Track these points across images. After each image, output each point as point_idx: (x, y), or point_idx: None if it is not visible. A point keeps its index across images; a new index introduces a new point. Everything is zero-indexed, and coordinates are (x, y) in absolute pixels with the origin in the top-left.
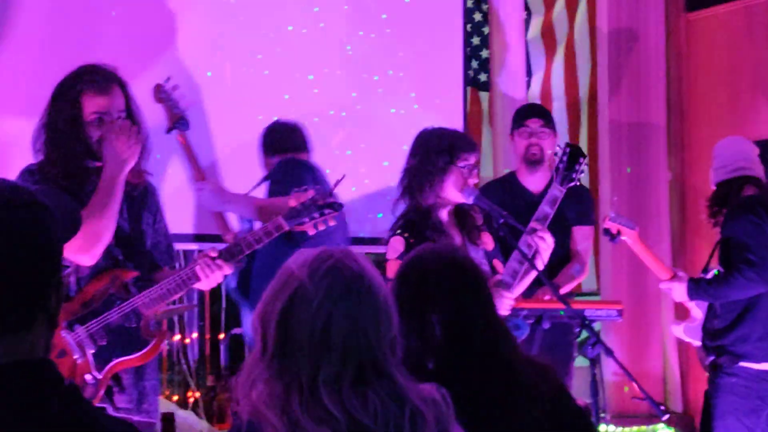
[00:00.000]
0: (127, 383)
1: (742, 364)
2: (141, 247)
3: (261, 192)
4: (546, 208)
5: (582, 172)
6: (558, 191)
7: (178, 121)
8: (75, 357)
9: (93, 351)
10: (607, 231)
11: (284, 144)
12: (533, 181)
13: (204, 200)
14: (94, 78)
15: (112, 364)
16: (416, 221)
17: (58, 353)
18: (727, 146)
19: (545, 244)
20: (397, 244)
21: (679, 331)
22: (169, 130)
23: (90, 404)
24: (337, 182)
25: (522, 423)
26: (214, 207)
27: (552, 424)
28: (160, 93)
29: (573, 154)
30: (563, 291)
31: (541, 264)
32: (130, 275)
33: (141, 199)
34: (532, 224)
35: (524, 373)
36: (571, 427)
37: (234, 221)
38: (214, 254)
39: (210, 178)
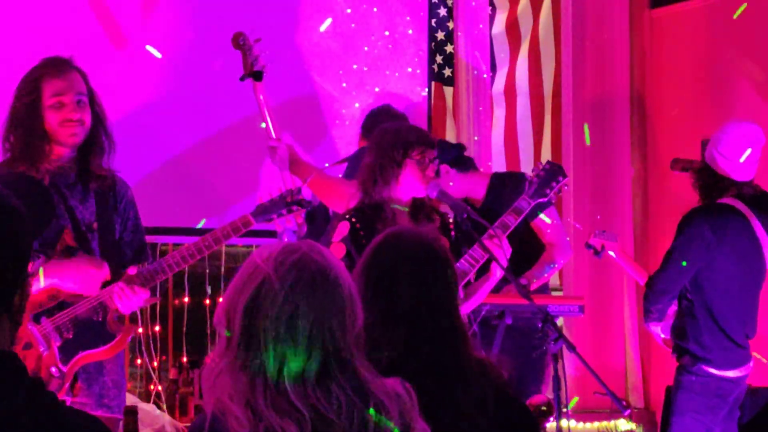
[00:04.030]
0: (86, 378)
1: (703, 366)
2: (108, 243)
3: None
4: (509, 218)
5: (559, 191)
6: (525, 203)
7: (253, 73)
8: (41, 349)
9: (59, 344)
10: (590, 246)
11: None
12: (472, 199)
13: (275, 160)
14: (52, 63)
15: (77, 357)
16: (367, 211)
17: (24, 345)
18: (738, 139)
19: (501, 252)
20: (342, 228)
21: (657, 329)
22: (242, 78)
23: (54, 396)
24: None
25: (464, 420)
26: (282, 167)
27: (494, 424)
28: (240, 40)
29: (552, 172)
30: (537, 283)
31: (498, 270)
32: None
33: (110, 194)
34: (493, 230)
35: (471, 371)
36: (514, 429)
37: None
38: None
39: (285, 139)
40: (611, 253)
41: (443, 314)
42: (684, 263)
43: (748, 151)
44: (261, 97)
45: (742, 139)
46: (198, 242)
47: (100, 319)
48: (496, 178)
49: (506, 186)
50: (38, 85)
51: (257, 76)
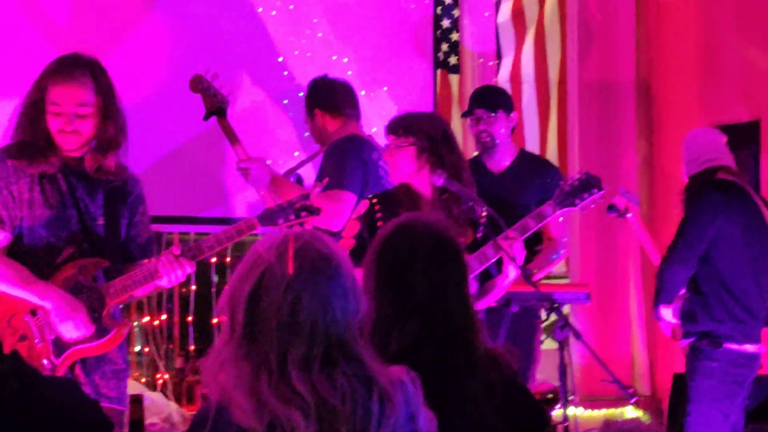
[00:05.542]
0: (85, 367)
1: (726, 345)
2: (113, 238)
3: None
4: (529, 221)
5: (591, 204)
6: (550, 209)
7: (216, 111)
8: (35, 341)
9: (53, 337)
10: (613, 207)
11: (343, 104)
12: (494, 162)
13: (251, 179)
14: (61, 67)
15: (70, 350)
16: (391, 194)
17: (19, 337)
18: (695, 139)
19: (511, 254)
20: (361, 206)
21: (668, 313)
22: (206, 118)
23: (32, 369)
24: None
25: (474, 410)
26: (259, 186)
27: (505, 414)
28: (200, 83)
29: (587, 182)
30: (540, 275)
31: (512, 271)
32: (99, 264)
33: (119, 191)
34: (509, 232)
35: (480, 361)
36: (523, 418)
37: None
38: (177, 251)
39: (254, 157)
40: (629, 215)
41: (456, 303)
42: (702, 224)
43: (710, 141)
44: (228, 130)
45: (699, 136)
46: (200, 243)
47: (97, 314)
48: (523, 155)
49: (528, 167)
50: (44, 86)
51: (221, 113)
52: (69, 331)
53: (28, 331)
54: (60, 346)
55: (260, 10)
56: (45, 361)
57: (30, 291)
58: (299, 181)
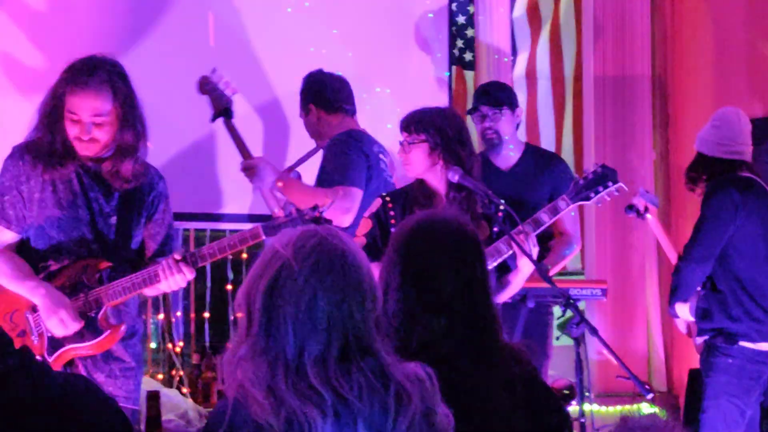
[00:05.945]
0: (88, 364)
1: (741, 343)
2: (124, 238)
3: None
4: (543, 215)
5: (606, 197)
6: (564, 203)
7: (223, 112)
8: (32, 338)
9: (50, 334)
10: (632, 207)
11: (338, 100)
12: (501, 158)
13: (255, 180)
14: (78, 76)
15: (62, 349)
16: (408, 190)
17: (19, 332)
18: (730, 122)
19: (525, 249)
20: (374, 204)
21: (684, 311)
22: (213, 119)
23: (41, 364)
24: None
25: (495, 406)
26: (264, 186)
27: (525, 410)
28: (207, 85)
29: (602, 175)
30: (554, 270)
31: (526, 266)
32: (103, 265)
33: (138, 189)
34: (524, 226)
35: (502, 357)
36: (543, 414)
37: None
38: (178, 257)
39: (257, 158)
40: (649, 216)
41: (480, 298)
42: (719, 225)
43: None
44: (234, 131)
45: (734, 123)
46: (202, 250)
47: (93, 314)
48: (529, 150)
49: (536, 162)
50: (61, 93)
51: (227, 113)
52: (54, 327)
53: (27, 327)
54: (54, 344)
55: (275, 7)
56: (38, 358)
57: (22, 287)
58: (299, 179)
